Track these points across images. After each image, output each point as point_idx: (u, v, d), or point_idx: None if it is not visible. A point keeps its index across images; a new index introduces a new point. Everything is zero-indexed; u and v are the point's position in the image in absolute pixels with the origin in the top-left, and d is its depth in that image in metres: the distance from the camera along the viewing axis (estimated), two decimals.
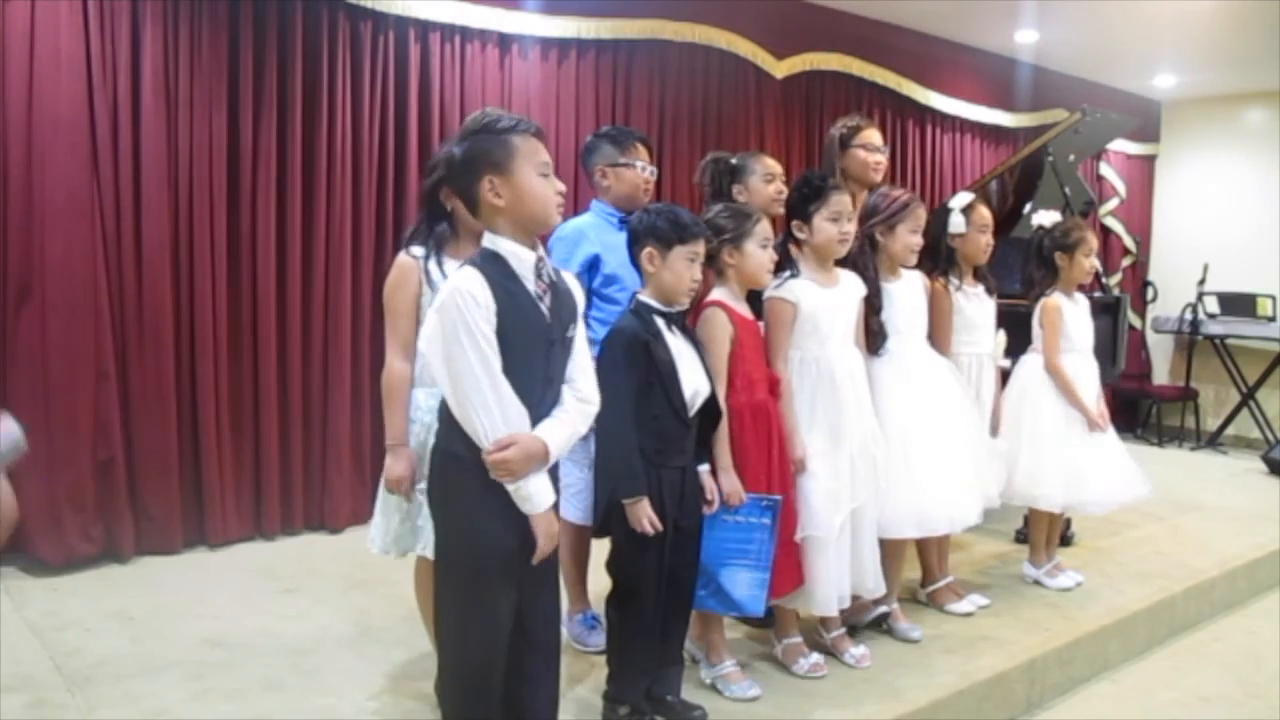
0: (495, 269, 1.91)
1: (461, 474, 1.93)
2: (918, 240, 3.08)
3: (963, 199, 3.40)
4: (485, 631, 1.95)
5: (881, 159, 3.42)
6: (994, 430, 3.49)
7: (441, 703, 2.07)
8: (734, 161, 3.12)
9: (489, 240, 1.96)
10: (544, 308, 1.96)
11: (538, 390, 1.95)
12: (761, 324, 2.78)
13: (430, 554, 2.24)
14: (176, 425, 3.83)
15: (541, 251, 2.00)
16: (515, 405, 1.89)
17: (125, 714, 2.56)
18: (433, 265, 2.40)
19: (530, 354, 1.93)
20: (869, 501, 2.86)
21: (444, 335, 1.87)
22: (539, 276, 1.96)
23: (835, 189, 2.83)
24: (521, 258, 1.94)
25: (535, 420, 1.94)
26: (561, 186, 1.99)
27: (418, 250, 2.43)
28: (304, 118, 4.06)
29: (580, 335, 2.08)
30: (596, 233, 2.94)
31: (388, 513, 2.46)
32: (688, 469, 2.49)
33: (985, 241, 3.42)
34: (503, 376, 1.87)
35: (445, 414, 1.95)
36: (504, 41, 4.60)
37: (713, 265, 2.65)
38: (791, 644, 2.88)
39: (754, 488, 2.57)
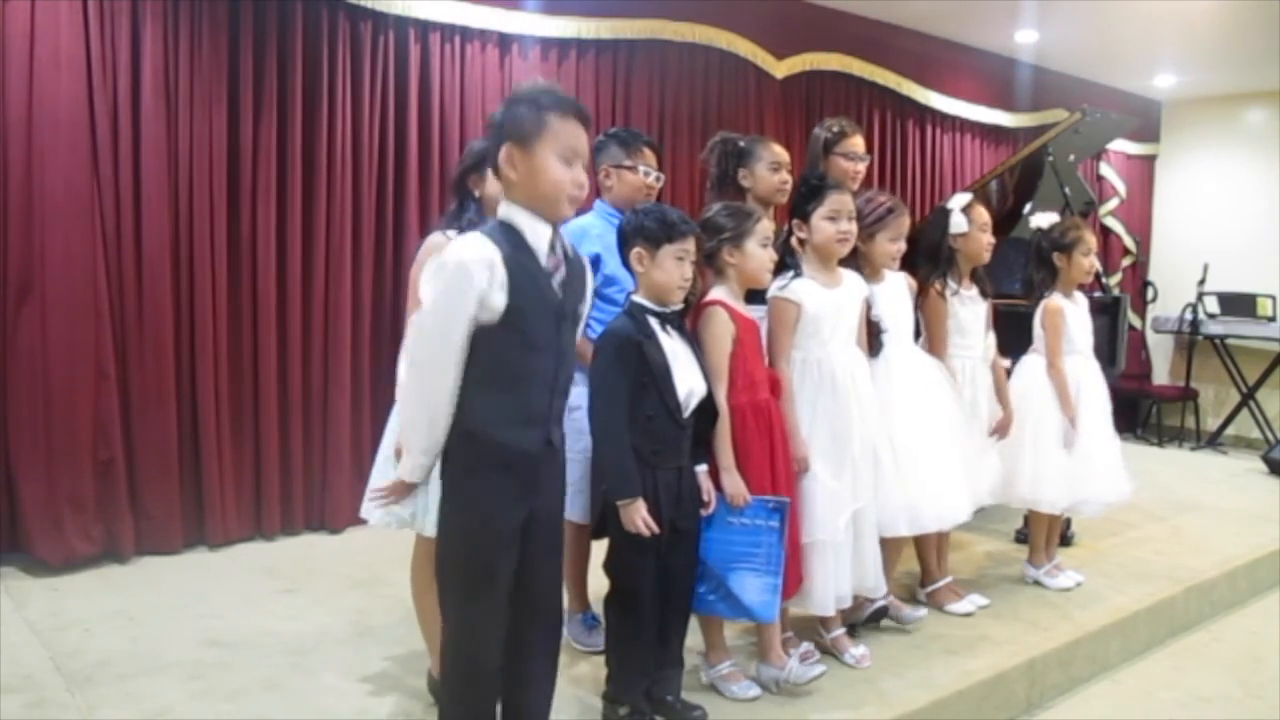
0: (507, 239, 1.90)
1: (470, 453, 1.92)
2: (897, 248, 3.09)
3: (961, 199, 3.40)
4: (486, 615, 1.94)
5: (862, 168, 3.44)
6: (1003, 432, 3.48)
7: (439, 692, 2.05)
8: (742, 144, 3.13)
9: (505, 210, 1.95)
10: (555, 283, 1.95)
11: (550, 367, 1.95)
12: (763, 323, 2.78)
13: (430, 532, 2.27)
14: (176, 425, 3.83)
15: (558, 227, 1.99)
16: (447, 395, 1.88)
17: (125, 714, 2.56)
18: None
19: (541, 326, 1.93)
20: (870, 501, 2.87)
21: (434, 293, 1.86)
22: (552, 250, 1.95)
23: (833, 188, 2.84)
24: (537, 231, 1.93)
25: (550, 399, 1.96)
26: (583, 179, 1.95)
27: (453, 233, 2.44)
28: (304, 118, 4.06)
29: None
30: (599, 232, 2.94)
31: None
32: (684, 470, 2.49)
33: (987, 240, 3.42)
34: (454, 364, 1.86)
35: (460, 397, 1.91)
36: (504, 41, 4.60)
37: (712, 264, 2.65)
38: (784, 639, 2.87)
39: (757, 488, 2.57)
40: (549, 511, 2.03)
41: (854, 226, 2.85)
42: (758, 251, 2.64)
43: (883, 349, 3.06)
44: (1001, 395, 3.52)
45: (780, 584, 2.56)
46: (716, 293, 2.64)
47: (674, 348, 2.44)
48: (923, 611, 3.17)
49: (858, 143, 3.43)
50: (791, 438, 2.71)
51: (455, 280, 1.84)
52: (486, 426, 1.90)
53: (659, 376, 2.38)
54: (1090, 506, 3.68)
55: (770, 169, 3.10)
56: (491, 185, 2.45)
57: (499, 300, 1.85)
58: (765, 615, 2.60)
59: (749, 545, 2.54)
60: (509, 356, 1.90)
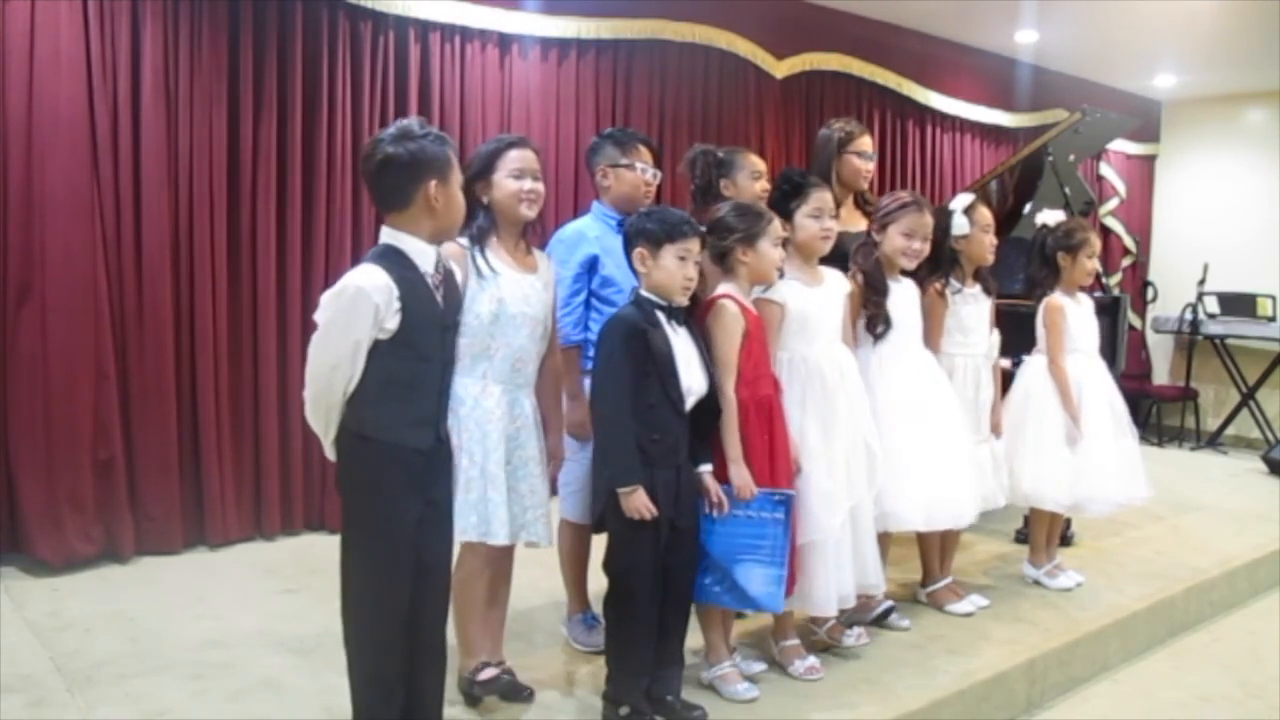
0: (396, 263, 2.06)
1: (367, 455, 2.07)
2: (910, 244, 3.09)
3: (963, 200, 3.40)
4: (390, 600, 2.08)
5: (871, 166, 3.52)
6: (996, 431, 3.48)
7: (350, 666, 2.16)
8: (721, 155, 3.16)
9: (392, 237, 2.10)
10: (439, 297, 2.13)
11: (437, 374, 2.14)
12: None
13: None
14: (176, 425, 3.83)
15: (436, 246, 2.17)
16: (335, 402, 2.05)
17: (125, 714, 2.56)
18: (479, 256, 2.50)
19: (430, 339, 2.11)
20: (866, 497, 2.87)
21: (329, 318, 2.01)
22: (436, 269, 2.14)
23: (815, 185, 2.87)
24: (425, 253, 2.12)
25: (437, 401, 2.14)
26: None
27: (464, 241, 2.50)
28: (304, 118, 4.06)
29: None
30: (596, 235, 2.94)
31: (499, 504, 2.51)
32: (682, 468, 2.49)
33: (990, 241, 3.42)
34: (342, 378, 2.02)
35: (351, 400, 2.05)
36: (504, 41, 4.60)
37: (724, 263, 2.67)
38: (789, 645, 2.88)
39: (758, 481, 2.58)
40: (442, 496, 2.21)
41: (836, 224, 2.88)
42: (770, 251, 2.66)
43: (886, 332, 3.08)
44: (994, 396, 3.51)
45: (785, 575, 2.57)
46: (726, 288, 2.66)
47: (679, 342, 2.46)
48: (907, 622, 3.20)
49: (867, 141, 3.52)
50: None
51: (352, 306, 1.99)
52: (380, 431, 2.06)
53: (663, 365, 2.39)
54: (1097, 505, 3.66)
55: (751, 178, 3.14)
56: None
57: (393, 322, 2.03)
58: (771, 605, 2.61)
59: (754, 537, 2.55)
60: (400, 368, 2.06)
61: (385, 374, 2.04)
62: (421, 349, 2.08)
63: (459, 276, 2.31)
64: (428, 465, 2.13)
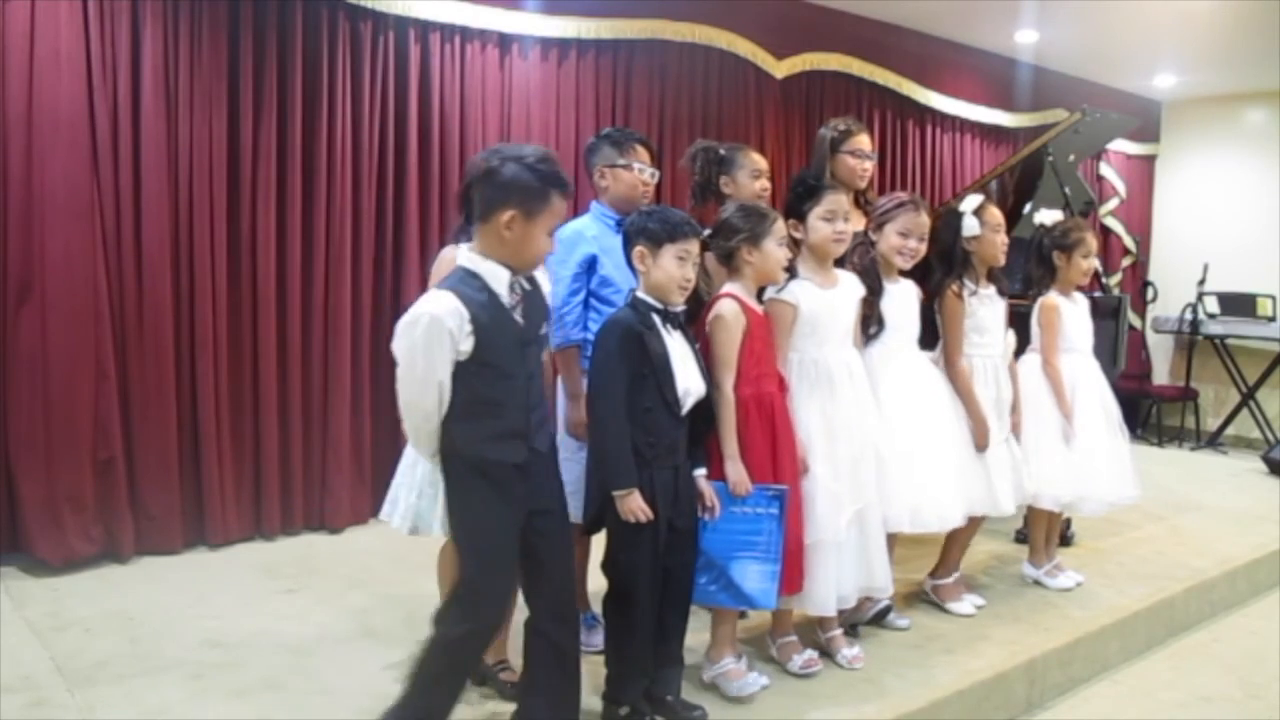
0: (471, 287, 2.12)
1: (462, 470, 2.17)
2: (905, 243, 3.08)
3: (972, 201, 3.37)
4: (481, 617, 2.20)
5: (870, 165, 3.47)
6: (1015, 430, 3.46)
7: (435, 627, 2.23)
8: (723, 152, 3.16)
9: (469, 260, 2.17)
10: (517, 315, 2.18)
11: (521, 388, 2.18)
12: None
13: (438, 531, 2.53)
14: (176, 425, 3.83)
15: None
16: (433, 428, 2.16)
17: (125, 714, 2.56)
18: None
19: (509, 356, 2.16)
20: (874, 500, 2.87)
21: (408, 347, 2.08)
22: (512, 290, 2.18)
23: (830, 188, 2.87)
24: (499, 276, 2.16)
25: (526, 415, 2.18)
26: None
27: (465, 246, 2.50)
28: (304, 118, 4.06)
29: None
30: (594, 234, 2.94)
31: (409, 490, 2.58)
32: (680, 469, 2.49)
33: (1001, 241, 3.39)
34: (434, 402, 2.11)
35: (444, 420, 2.14)
36: (504, 41, 4.60)
37: (730, 264, 2.68)
38: (786, 642, 2.88)
39: (759, 479, 2.58)
40: (548, 508, 2.27)
41: (850, 227, 2.88)
42: (775, 250, 2.67)
43: (880, 333, 3.07)
44: (1014, 396, 3.50)
45: (779, 571, 2.57)
46: (729, 288, 2.67)
47: (675, 345, 2.46)
48: (905, 621, 3.21)
49: (864, 140, 3.46)
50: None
51: (426, 334, 2.06)
52: (470, 447, 2.15)
53: (659, 368, 2.40)
54: (1091, 504, 3.67)
55: (751, 176, 3.14)
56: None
57: (468, 344, 2.09)
58: (765, 602, 2.61)
59: (750, 533, 2.56)
60: (483, 387, 2.13)
61: (470, 393, 2.12)
62: (502, 366, 2.14)
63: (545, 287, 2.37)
64: (524, 477, 2.19)
